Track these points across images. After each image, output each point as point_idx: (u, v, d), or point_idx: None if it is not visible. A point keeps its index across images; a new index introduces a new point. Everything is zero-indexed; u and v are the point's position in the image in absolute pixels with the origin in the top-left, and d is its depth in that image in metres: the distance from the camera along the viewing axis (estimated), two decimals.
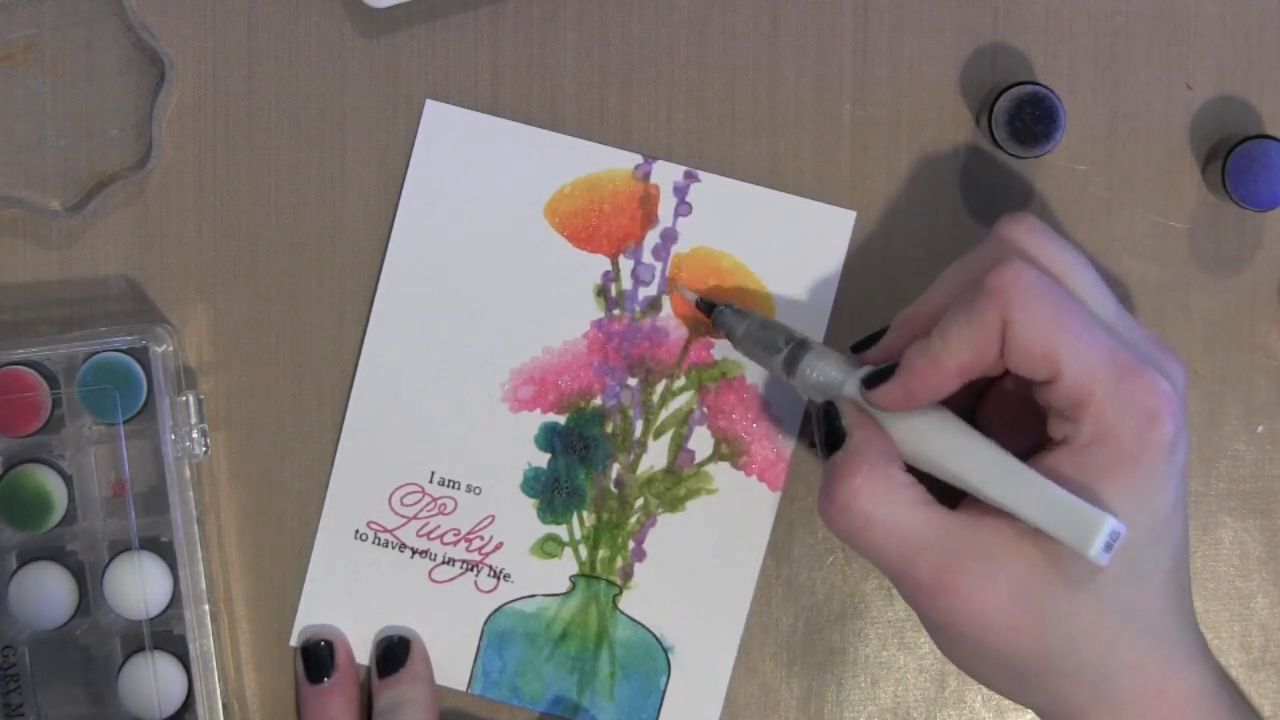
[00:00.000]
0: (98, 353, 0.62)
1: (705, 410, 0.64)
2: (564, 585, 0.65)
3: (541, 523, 0.64)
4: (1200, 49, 0.64)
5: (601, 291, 0.64)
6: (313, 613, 0.64)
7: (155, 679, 0.62)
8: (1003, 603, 0.52)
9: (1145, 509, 0.51)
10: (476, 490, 0.64)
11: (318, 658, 0.63)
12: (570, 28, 0.64)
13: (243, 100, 0.64)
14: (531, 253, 0.64)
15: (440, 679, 0.65)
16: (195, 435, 0.63)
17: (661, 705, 0.64)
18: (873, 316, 0.63)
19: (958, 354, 0.52)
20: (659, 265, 0.64)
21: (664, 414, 0.64)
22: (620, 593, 0.64)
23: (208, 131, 0.64)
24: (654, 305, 0.64)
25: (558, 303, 0.64)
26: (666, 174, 0.64)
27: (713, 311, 0.62)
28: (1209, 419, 0.64)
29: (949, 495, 0.54)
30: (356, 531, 0.64)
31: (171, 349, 0.63)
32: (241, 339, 0.64)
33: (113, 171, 0.64)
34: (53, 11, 0.64)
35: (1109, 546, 0.50)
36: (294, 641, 0.65)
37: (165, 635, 0.62)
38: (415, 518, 0.64)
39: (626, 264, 0.64)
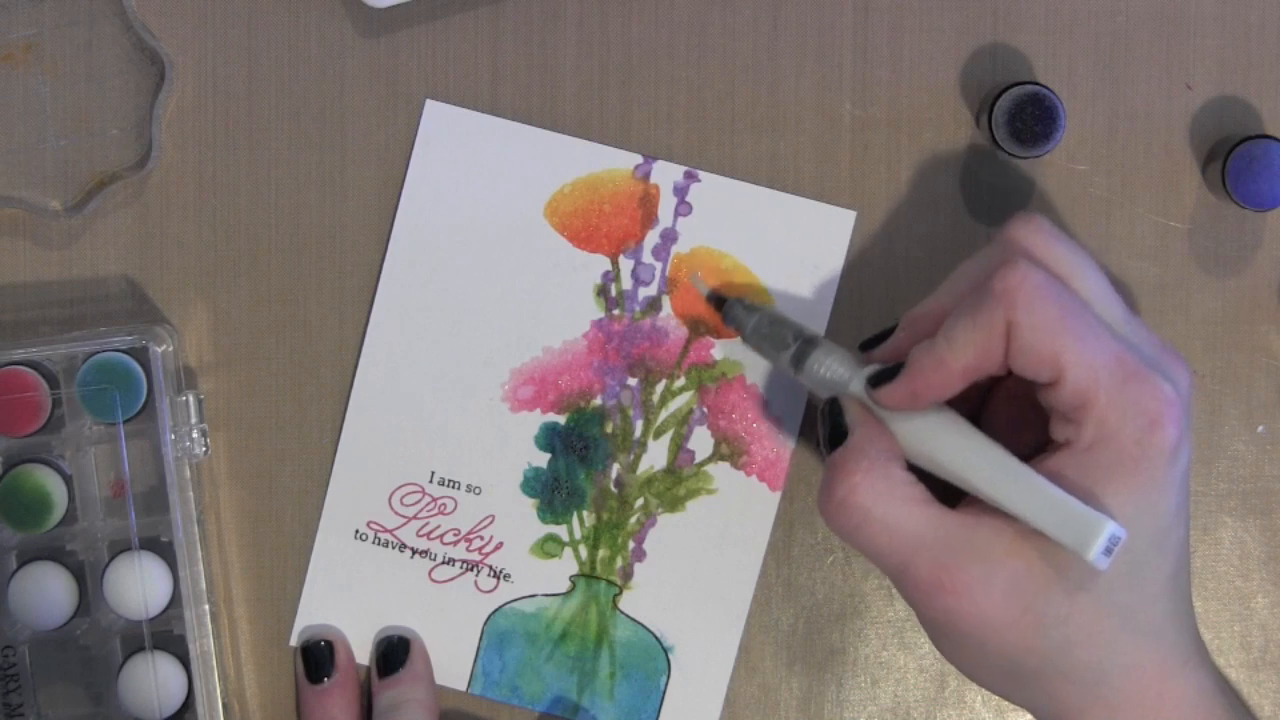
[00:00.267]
0: (98, 353, 0.62)
1: (705, 410, 0.64)
2: (564, 585, 0.65)
3: (541, 523, 0.64)
4: (1200, 49, 0.64)
5: (601, 291, 0.64)
6: (313, 613, 0.64)
7: (155, 679, 0.62)
8: (1000, 603, 0.52)
9: (1146, 513, 0.51)
10: (476, 490, 0.64)
11: (318, 658, 0.63)
12: (570, 27, 0.64)
13: (243, 100, 0.64)
14: (531, 253, 0.64)
15: (440, 679, 0.65)
16: (195, 435, 0.63)
17: (661, 705, 0.64)
18: (873, 317, 0.63)
19: (963, 355, 0.52)
20: (659, 265, 0.64)
21: (664, 414, 0.64)
22: (620, 593, 0.64)
23: (208, 131, 0.64)
24: (654, 305, 0.64)
25: (558, 303, 0.64)
26: (666, 174, 0.64)
27: (723, 306, 0.62)
28: (1209, 419, 0.64)
29: (949, 495, 0.54)
30: (356, 531, 0.64)
31: (171, 349, 0.63)
32: (241, 339, 0.64)
33: (113, 171, 0.64)
34: (53, 11, 0.64)
35: (1108, 551, 0.50)
36: (294, 641, 0.65)
37: (165, 635, 0.62)
38: (415, 518, 0.64)
39: (626, 264, 0.64)
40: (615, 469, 0.64)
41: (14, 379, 0.62)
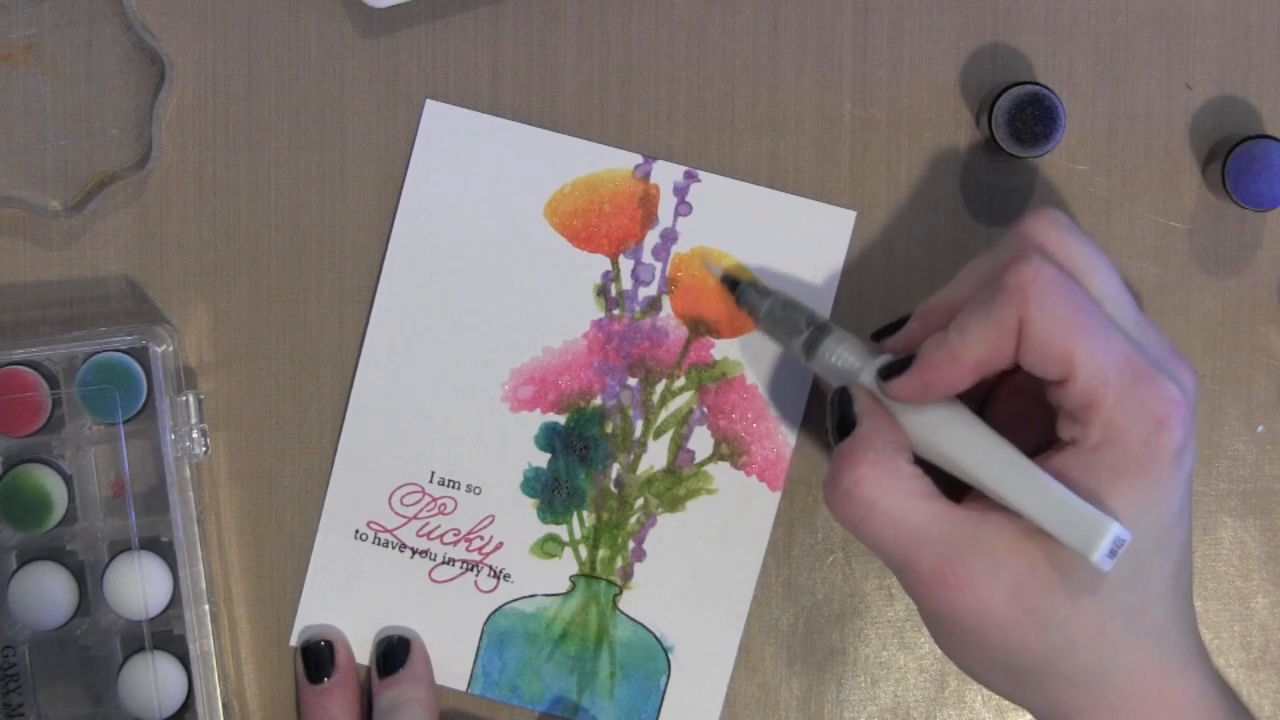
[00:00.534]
0: (98, 353, 0.62)
1: (705, 410, 0.64)
2: (564, 585, 0.65)
3: (541, 523, 0.64)
4: (1200, 49, 0.64)
5: (601, 291, 0.64)
6: (313, 613, 0.64)
7: (155, 679, 0.62)
8: (1003, 600, 0.52)
9: (1150, 514, 0.51)
10: (476, 490, 0.64)
11: (318, 658, 0.63)
12: (570, 27, 0.64)
13: (243, 100, 0.64)
14: (531, 253, 0.64)
15: (440, 679, 0.65)
16: (195, 435, 0.63)
17: (661, 705, 0.64)
18: (873, 317, 0.63)
19: (974, 350, 0.52)
20: (659, 265, 0.64)
21: (664, 414, 0.64)
22: (620, 593, 0.64)
23: (208, 131, 0.64)
24: (654, 305, 0.64)
25: (558, 303, 0.64)
26: (666, 174, 0.64)
27: (736, 289, 0.62)
28: (1209, 419, 0.64)
29: (953, 489, 0.54)
30: (356, 531, 0.64)
31: (171, 349, 0.63)
32: (241, 339, 0.64)
33: (113, 171, 0.64)
34: (53, 11, 0.64)
35: (1113, 552, 0.50)
36: (294, 641, 0.65)
37: (165, 635, 0.62)
38: (415, 518, 0.64)
39: (626, 264, 0.64)
40: (615, 469, 0.64)
41: (14, 379, 0.62)
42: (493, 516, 0.64)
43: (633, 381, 0.64)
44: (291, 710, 0.64)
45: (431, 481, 0.64)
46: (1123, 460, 0.51)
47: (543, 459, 0.64)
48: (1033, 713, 0.55)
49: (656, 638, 0.64)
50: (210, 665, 0.62)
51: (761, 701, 0.65)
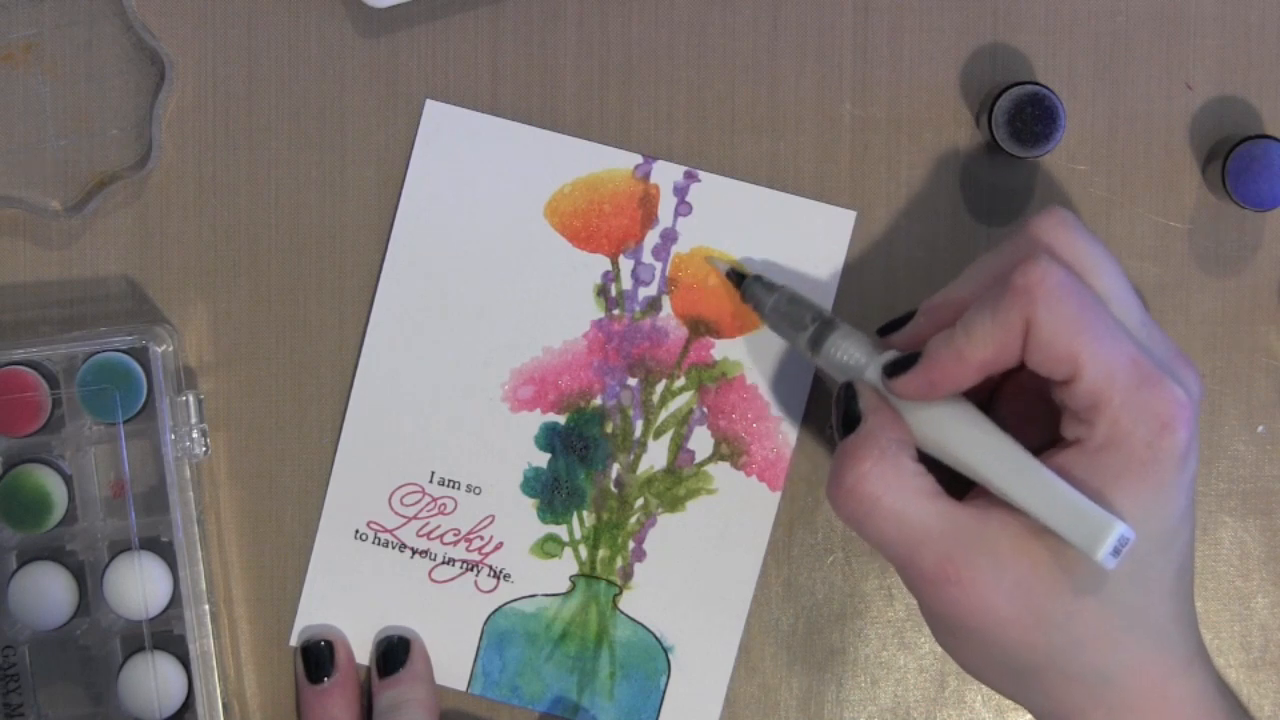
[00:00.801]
0: (98, 353, 0.62)
1: (705, 410, 0.64)
2: (564, 585, 0.65)
3: (541, 523, 0.64)
4: (1200, 49, 0.64)
5: (601, 291, 0.64)
6: (313, 613, 0.64)
7: (155, 679, 0.62)
8: (1005, 598, 0.52)
9: (1154, 516, 0.51)
10: (476, 490, 0.64)
11: (318, 658, 0.63)
12: (570, 27, 0.64)
13: (243, 100, 0.64)
14: (531, 253, 0.64)
15: (440, 679, 0.65)
16: (195, 435, 0.63)
17: (661, 705, 0.64)
18: (873, 317, 0.63)
19: (981, 349, 0.52)
20: (659, 265, 0.64)
21: (664, 414, 0.64)
22: (620, 593, 0.64)
23: (208, 131, 0.64)
24: (654, 305, 0.64)
25: (558, 303, 0.64)
26: (666, 174, 0.64)
27: (743, 283, 0.62)
28: (1209, 419, 0.64)
29: (956, 485, 0.54)
30: (356, 531, 0.64)
31: (171, 349, 0.63)
32: (241, 339, 0.64)
33: (113, 171, 0.64)
34: (53, 11, 0.64)
35: (1117, 551, 0.50)
36: (294, 641, 0.65)
37: (165, 635, 0.62)
38: (415, 518, 0.64)
39: (626, 264, 0.64)
40: (615, 469, 0.64)
41: (14, 379, 0.62)
42: (493, 516, 0.64)
43: (633, 381, 0.64)
44: (291, 710, 0.64)
45: (431, 481, 0.64)
46: (1127, 461, 0.51)
47: (543, 459, 0.64)
48: (1033, 712, 0.55)
49: (656, 638, 0.64)
50: (210, 665, 0.62)
51: (761, 701, 0.65)
